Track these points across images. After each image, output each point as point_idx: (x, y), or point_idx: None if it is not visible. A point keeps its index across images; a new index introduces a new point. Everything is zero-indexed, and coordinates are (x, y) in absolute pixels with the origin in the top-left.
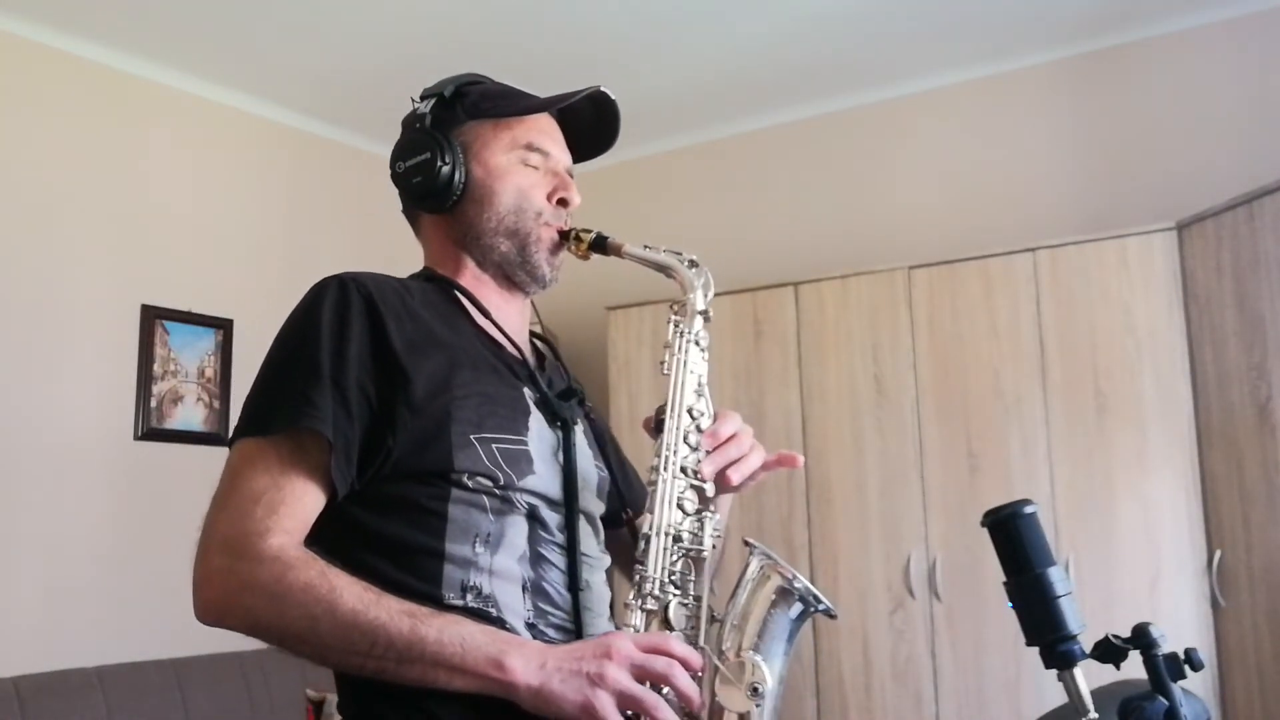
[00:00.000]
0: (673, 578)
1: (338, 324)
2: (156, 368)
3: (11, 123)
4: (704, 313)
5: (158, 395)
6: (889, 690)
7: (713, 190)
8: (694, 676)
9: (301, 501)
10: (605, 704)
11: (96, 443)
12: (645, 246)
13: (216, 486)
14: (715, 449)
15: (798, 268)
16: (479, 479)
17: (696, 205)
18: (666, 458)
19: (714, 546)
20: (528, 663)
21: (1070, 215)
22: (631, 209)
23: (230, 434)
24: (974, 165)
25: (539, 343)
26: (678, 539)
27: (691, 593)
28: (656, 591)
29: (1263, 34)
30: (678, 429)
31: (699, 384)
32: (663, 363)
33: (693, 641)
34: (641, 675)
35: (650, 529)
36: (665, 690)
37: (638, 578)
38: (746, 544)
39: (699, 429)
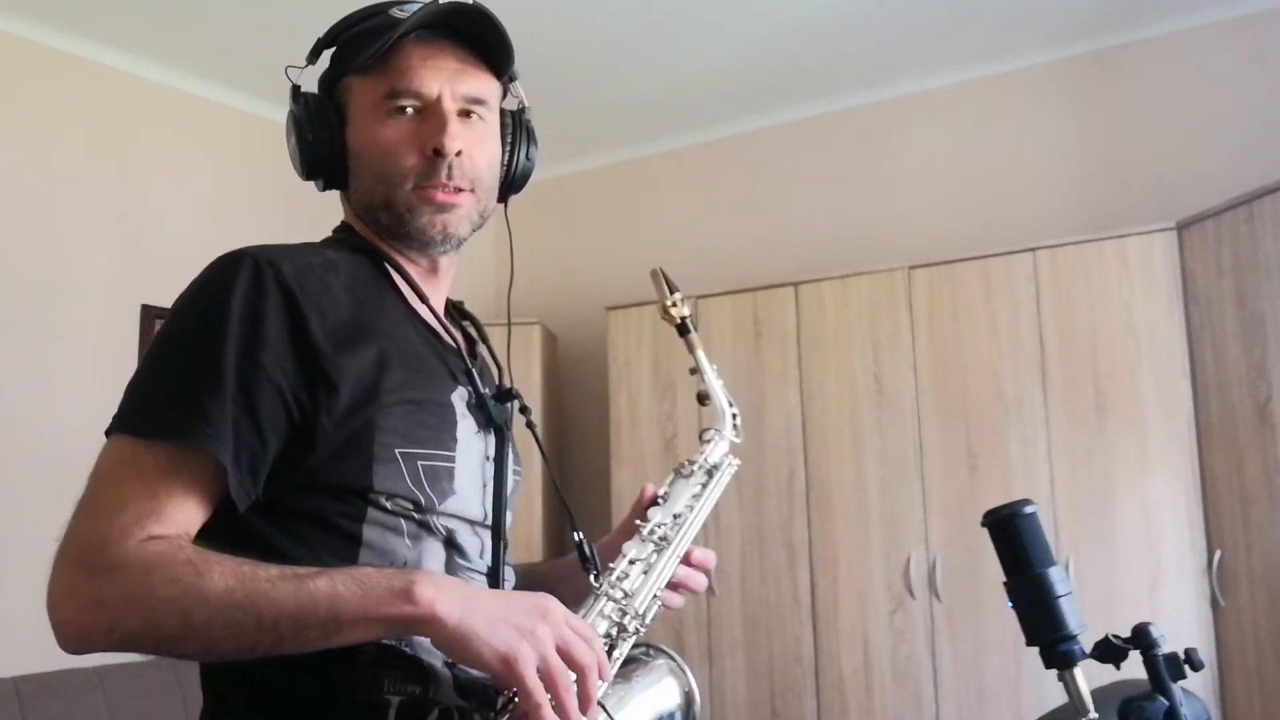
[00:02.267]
0: (632, 622)
1: (249, 318)
2: None
3: (11, 122)
4: (727, 452)
5: None
6: (889, 690)
7: (712, 190)
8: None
9: (182, 509)
10: (530, 661)
11: (96, 443)
12: (712, 365)
13: (82, 490)
14: (687, 579)
15: (798, 268)
16: (398, 500)
17: (696, 205)
18: (681, 541)
19: (645, 629)
20: (444, 593)
21: (1070, 215)
22: (631, 209)
23: (109, 424)
24: (974, 165)
25: (466, 322)
26: (648, 607)
27: (617, 655)
28: (629, 630)
29: (1263, 34)
30: (693, 530)
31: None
32: (688, 463)
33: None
34: (563, 654)
35: (634, 575)
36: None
37: (619, 606)
38: (652, 646)
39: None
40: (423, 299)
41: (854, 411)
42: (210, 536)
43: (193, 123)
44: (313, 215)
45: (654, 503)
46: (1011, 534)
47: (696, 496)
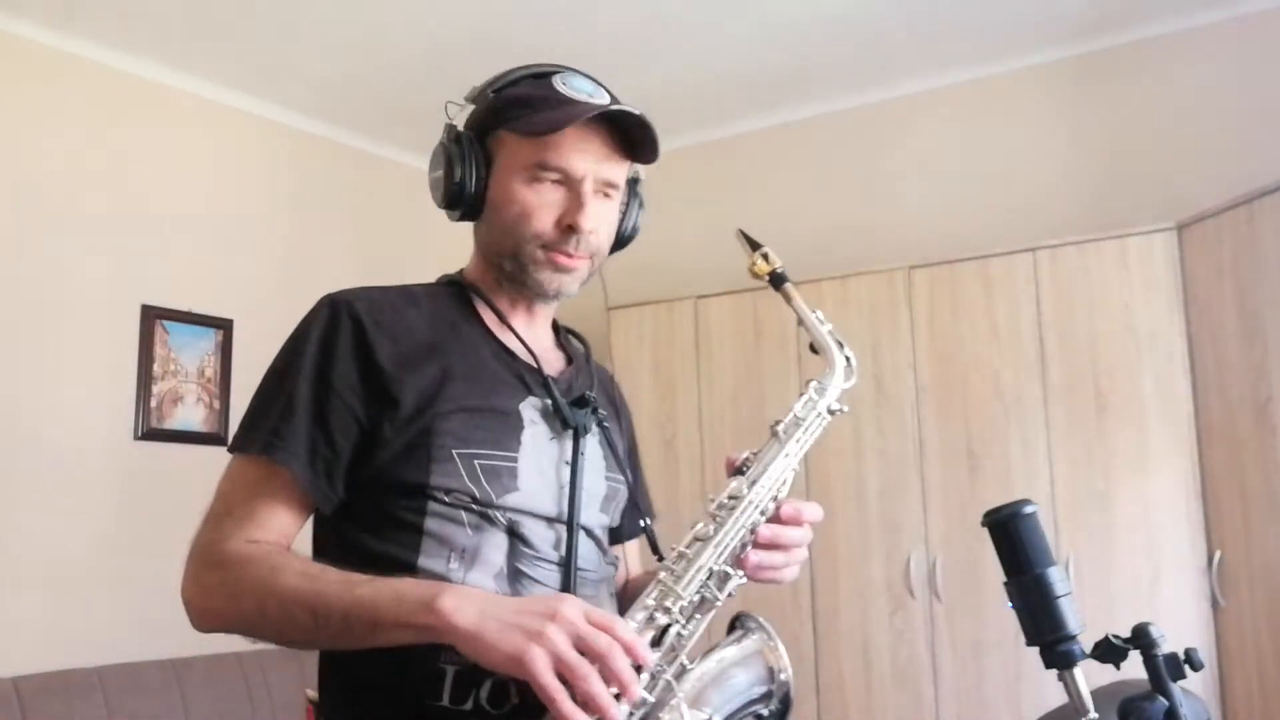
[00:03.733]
0: (688, 607)
1: (324, 349)
2: (156, 368)
3: (12, 123)
4: (838, 399)
5: (158, 395)
6: (889, 690)
7: (713, 190)
8: (636, 667)
9: (273, 514)
10: (539, 659)
11: (96, 443)
12: (815, 311)
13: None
14: (775, 537)
15: (798, 268)
16: (456, 494)
17: (697, 205)
18: (748, 506)
19: (724, 598)
20: (463, 605)
21: (1070, 215)
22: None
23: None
24: (974, 165)
25: (575, 340)
26: (709, 576)
27: (689, 630)
28: (675, 610)
29: (1263, 34)
30: (767, 492)
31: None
32: (777, 423)
33: (659, 673)
34: (580, 647)
35: (692, 552)
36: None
37: (663, 587)
38: (751, 619)
39: (775, 499)
40: (502, 320)
41: (854, 411)
42: (324, 545)
43: (193, 123)
44: (311, 215)
45: (738, 472)
46: (1011, 534)
47: (787, 456)
